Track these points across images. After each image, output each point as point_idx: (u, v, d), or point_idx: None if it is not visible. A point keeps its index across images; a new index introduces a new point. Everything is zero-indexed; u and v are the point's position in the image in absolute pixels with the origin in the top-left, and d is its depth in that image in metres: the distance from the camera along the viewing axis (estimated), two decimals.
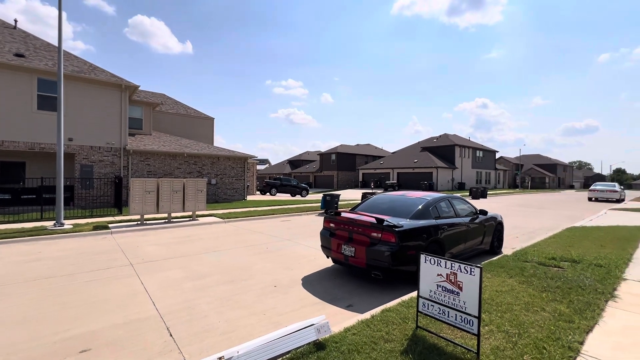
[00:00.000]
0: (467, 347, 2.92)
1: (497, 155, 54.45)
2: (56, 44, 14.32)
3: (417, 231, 5.04)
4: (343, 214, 5.53)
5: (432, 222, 5.42)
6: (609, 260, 5.87)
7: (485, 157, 48.93)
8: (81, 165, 14.62)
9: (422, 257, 3.30)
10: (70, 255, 6.80)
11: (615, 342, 3.14)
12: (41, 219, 10.90)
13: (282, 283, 5.17)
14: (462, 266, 2.95)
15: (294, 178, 42.73)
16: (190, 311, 4.08)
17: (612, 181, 73.42)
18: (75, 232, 8.96)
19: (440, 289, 3.13)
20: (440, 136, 48.60)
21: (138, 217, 11.29)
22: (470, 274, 2.90)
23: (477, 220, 6.60)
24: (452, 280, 3.04)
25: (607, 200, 24.70)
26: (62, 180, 9.93)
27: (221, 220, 11.70)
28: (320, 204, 15.92)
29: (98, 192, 14.85)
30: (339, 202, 15.51)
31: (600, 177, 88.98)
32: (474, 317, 2.84)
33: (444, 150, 43.39)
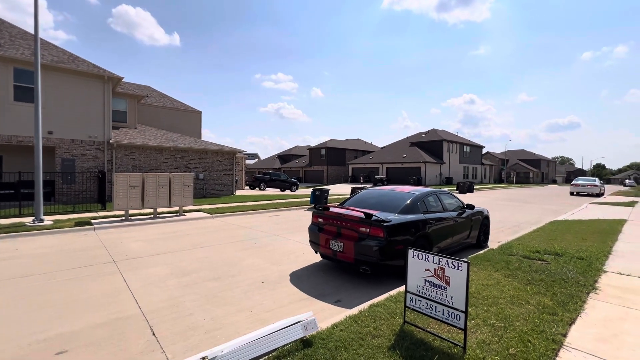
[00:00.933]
0: (454, 341, 2.93)
1: (484, 151, 55.43)
2: (34, 32, 13.69)
3: (406, 226, 5.04)
4: (332, 209, 5.48)
5: (420, 216, 5.43)
6: (590, 253, 6.02)
7: (472, 152, 49.72)
8: (62, 159, 14.12)
9: (410, 252, 3.29)
10: (50, 253, 6.56)
11: (596, 333, 3.21)
12: (19, 215, 10.50)
13: (270, 279, 5.11)
14: (450, 261, 2.95)
15: (284, 173, 42.46)
16: (175, 309, 3.98)
17: (593, 176, 75.89)
18: (56, 228, 8.66)
19: (427, 284, 3.13)
20: (428, 131, 49.05)
21: (122, 212, 11.00)
22: (458, 268, 2.90)
23: (464, 215, 6.66)
24: (440, 275, 3.04)
25: (588, 195, 25.47)
26: (41, 175, 9.56)
27: (209, 215, 11.52)
28: (309, 199, 15.86)
29: (80, 187, 14.39)
30: (329, 197, 15.49)
31: (581, 172, 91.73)
32: (461, 311, 2.85)
33: (432, 145, 43.85)
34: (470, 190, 27.64)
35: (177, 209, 12.17)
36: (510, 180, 61.07)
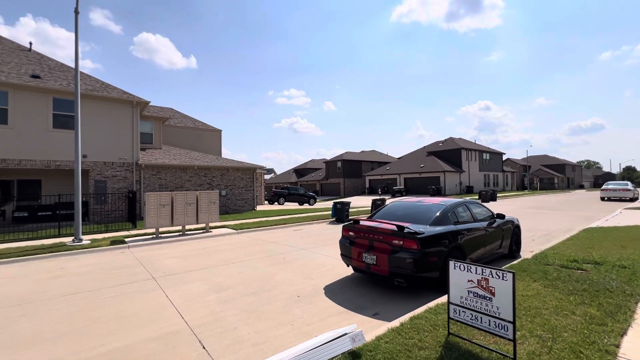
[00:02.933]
0: (503, 352, 2.92)
1: (504, 157, 54.11)
2: (69, 64, 14.80)
3: (438, 237, 5.06)
4: (362, 222, 5.57)
5: (452, 227, 5.43)
6: (632, 261, 5.80)
7: (492, 159, 48.66)
8: (95, 181, 14.90)
9: (452, 263, 3.33)
10: (93, 271, 6.92)
11: None
12: (59, 235, 11.09)
13: (305, 293, 5.20)
14: (494, 272, 2.98)
15: (301, 187, 42.86)
16: (219, 323, 4.13)
17: (623, 179, 72.37)
18: (94, 247, 9.10)
19: (471, 295, 3.15)
20: (445, 140, 48.51)
21: (152, 230, 11.42)
22: (503, 279, 2.92)
23: (494, 224, 6.59)
24: (484, 286, 3.06)
25: (620, 200, 24.33)
26: (80, 197, 10.14)
27: (234, 231, 11.78)
28: (330, 212, 15.94)
29: (112, 207, 15.07)
30: (350, 210, 15.52)
31: (610, 176, 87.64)
32: (509, 322, 2.85)
33: (450, 154, 43.26)
34: (494, 198, 26.97)
35: (203, 225, 12.52)
36: (534, 186, 59.10)
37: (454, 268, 3.31)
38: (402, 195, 36.79)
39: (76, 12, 10.16)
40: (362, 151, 60.29)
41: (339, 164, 50.76)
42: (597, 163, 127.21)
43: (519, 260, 6.34)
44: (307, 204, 28.64)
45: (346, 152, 54.50)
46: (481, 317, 3.06)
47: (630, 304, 3.98)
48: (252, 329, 3.94)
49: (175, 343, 3.64)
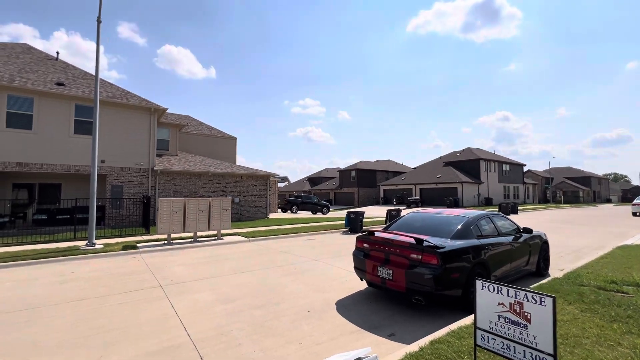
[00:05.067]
0: None
1: (525, 169, 52.28)
2: (93, 73, 15.27)
3: (460, 252, 4.67)
4: (377, 234, 5.25)
5: (475, 242, 5.03)
6: None
7: (512, 170, 47.11)
8: (112, 186, 15.15)
9: (479, 283, 2.97)
10: (102, 276, 6.84)
11: None
12: (74, 239, 11.22)
13: (315, 307, 4.90)
14: (530, 295, 2.61)
15: (314, 195, 42.63)
16: (223, 338, 3.88)
17: None
18: (106, 252, 9.10)
19: (502, 320, 2.78)
20: (463, 150, 47.42)
21: (164, 236, 11.40)
22: (540, 304, 2.55)
23: (521, 239, 6.11)
24: (517, 311, 2.69)
25: None
26: (95, 201, 10.24)
27: (245, 239, 11.61)
28: (344, 222, 15.58)
29: (127, 212, 15.25)
30: (364, 220, 15.13)
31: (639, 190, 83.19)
32: (549, 355, 2.47)
33: (468, 164, 42.15)
34: (514, 211, 25.88)
35: (215, 232, 12.43)
36: (557, 199, 56.73)
37: (482, 288, 2.95)
38: (417, 206, 35.95)
39: (98, 21, 10.47)
40: (377, 160, 59.72)
41: (353, 173, 50.34)
42: (625, 176, 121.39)
43: (549, 279, 5.83)
44: (320, 213, 28.34)
45: (360, 162, 54.08)
46: (514, 347, 2.68)
47: None
48: (257, 347, 3.66)
49: (176, 358, 3.40)
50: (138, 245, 10.14)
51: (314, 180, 66.43)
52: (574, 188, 62.34)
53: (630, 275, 5.76)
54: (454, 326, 3.87)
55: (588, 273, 6.00)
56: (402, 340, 3.82)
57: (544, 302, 2.54)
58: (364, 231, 5.52)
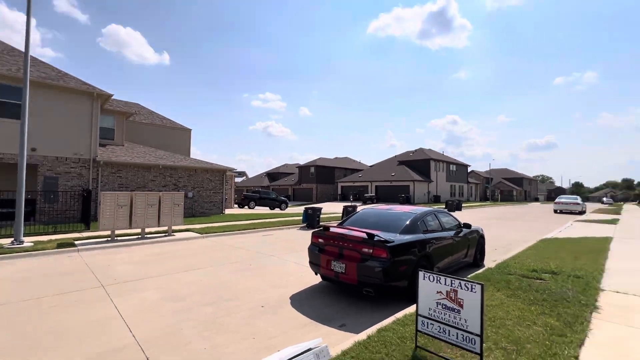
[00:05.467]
0: None
1: (469, 169, 56.78)
2: (21, 48, 13.52)
3: (408, 246, 5.01)
4: (332, 229, 5.42)
5: (422, 236, 5.43)
6: (585, 272, 6.11)
7: (458, 171, 50.91)
8: (45, 177, 13.60)
9: (421, 273, 3.24)
10: (32, 277, 6.17)
11: (606, 355, 3.20)
12: None
13: (270, 303, 4.93)
14: (463, 283, 2.92)
15: (273, 191, 42.18)
16: (172, 337, 3.75)
17: (572, 194, 78.52)
18: (37, 250, 8.20)
19: (440, 306, 3.07)
20: (416, 150, 50.11)
21: (107, 232, 10.55)
22: (472, 290, 2.87)
23: (461, 234, 6.70)
24: (453, 298, 2.99)
25: (571, 212, 26.22)
26: (23, 194, 9.14)
27: (199, 235, 11.19)
28: (301, 218, 15.70)
29: (63, 207, 13.81)
30: (321, 216, 15.39)
31: (561, 191, 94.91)
32: (476, 335, 2.79)
33: (419, 164, 44.68)
34: (459, 208, 28.05)
35: (165, 228, 11.79)
36: (495, 198, 62.48)
37: (424, 279, 3.23)
38: (373, 203, 37.32)
39: None
40: (336, 157, 60.74)
41: (312, 169, 50.72)
42: (551, 178, 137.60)
43: (483, 269, 6.48)
44: (278, 209, 28.17)
45: (319, 158, 54.62)
46: (449, 330, 2.99)
47: (586, 314, 4.12)
48: (208, 343, 3.61)
49: None
50: (76, 242, 9.27)
51: (272, 175, 65.69)
52: (509, 188, 69.20)
53: (548, 265, 6.62)
54: (399, 315, 4.16)
55: (515, 263, 6.78)
56: (352, 330, 4.01)
57: (474, 289, 2.86)
58: (320, 226, 5.66)
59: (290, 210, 27.33)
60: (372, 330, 3.70)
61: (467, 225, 7.06)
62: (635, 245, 9.93)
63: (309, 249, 5.66)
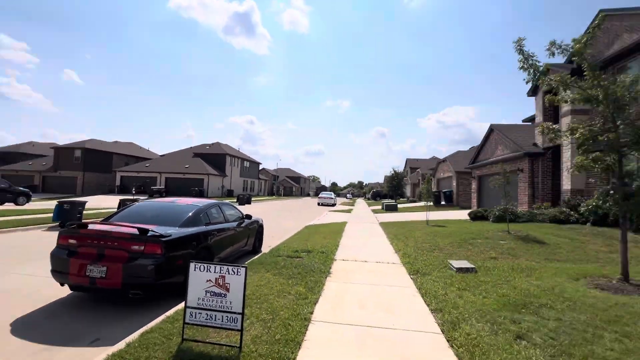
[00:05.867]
0: (231, 344, 3.14)
1: (260, 167, 62.47)
2: None
3: (187, 239, 4.89)
4: (91, 227, 4.44)
5: (203, 228, 5.44)
6: (328, 248, 8.17)
7: (251, 167, 54.87)
8: None
9: (192, 265, 3.25)
10: None
11: (330, 306, 4.42)
12: None
13: None
14: (230, 268, 3.17)
15: (4, 178, 29.06)
16: None
17: (330, 191, 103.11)
18: None
19: (209, 294, 3.19)
20: (213, 144, 49.54)
21: None
22: (237, 274, 3.17)
23: (243, 225, 7.26)
24: (221, 284, 3.19)
25: (328, 205, 34.42)
26: None
27: None
28: (52, 216, 11.81)
29: None
30: (85, 212, 12.21)
31: (324, 188, 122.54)
32: (238, 314, 3.11)
33: (216, 158, 44.54)
34: (249, 202, 30.24)
35: None
36: (280, 193, 72.11)
37: (195, 270, 3.25)
38: (161, 196, 33.56)
39: None
40: (116, 142, 50.13)
41: (79, 152, 39.42)
42: (319, 178, 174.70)
43: (260, 255, 7.32)
44: (12, 204, 19.90)
45: (91, 140, 43.25)
46: (215, 315, 3.16)
47: (322, 279, 5.51)
48: None
49: None
50: None
51: (6, 156, 45.61)
52: (290, 185, 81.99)
53: (306, 245, 8.36)
54: (170, 312, 3.97)
55: (285, 247, 8.11)
56: (108, 343, 3.44)
57: (239, 272, 3.17)
58: (73, 224, 4.48)
59: (34, 205, 20.01)
60: (134, 336, 3.32)
61: (249, 217, 7.74)
62: (359, 227, 14.32)
63: (53, 254, 4.38)
